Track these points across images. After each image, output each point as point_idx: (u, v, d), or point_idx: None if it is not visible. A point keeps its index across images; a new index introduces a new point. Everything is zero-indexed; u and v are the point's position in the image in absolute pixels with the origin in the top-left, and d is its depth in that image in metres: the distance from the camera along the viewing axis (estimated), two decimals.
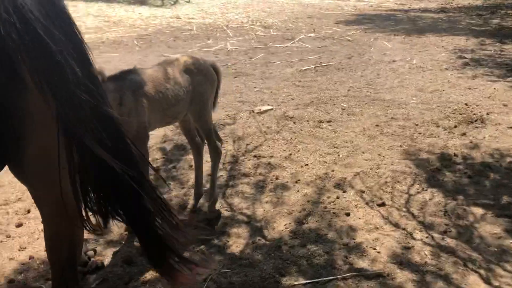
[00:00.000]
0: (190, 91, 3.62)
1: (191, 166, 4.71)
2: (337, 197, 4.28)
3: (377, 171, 4.79)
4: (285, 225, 3.86)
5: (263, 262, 3.38)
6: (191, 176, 4.63)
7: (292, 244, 3.59)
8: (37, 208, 3.86)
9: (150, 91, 3.34)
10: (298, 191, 4.41)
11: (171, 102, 3.47)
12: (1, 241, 3.59)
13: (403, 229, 3.81)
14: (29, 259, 3.37)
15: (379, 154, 5.16)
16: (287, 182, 4.58)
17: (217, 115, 6.29)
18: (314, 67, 9.05)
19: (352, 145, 5.40)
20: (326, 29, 12.99)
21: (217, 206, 4.07)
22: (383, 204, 4.17)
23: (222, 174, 4.71)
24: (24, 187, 4.36)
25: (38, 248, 3.48)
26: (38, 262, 3.33)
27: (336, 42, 11.38)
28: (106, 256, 3.41)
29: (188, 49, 10.69)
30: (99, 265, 3.27)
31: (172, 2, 18.22)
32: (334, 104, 6.81)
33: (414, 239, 3.67)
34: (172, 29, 13.24)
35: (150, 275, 3.21)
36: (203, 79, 3.72)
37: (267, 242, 3.62)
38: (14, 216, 3.92)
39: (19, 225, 3.78)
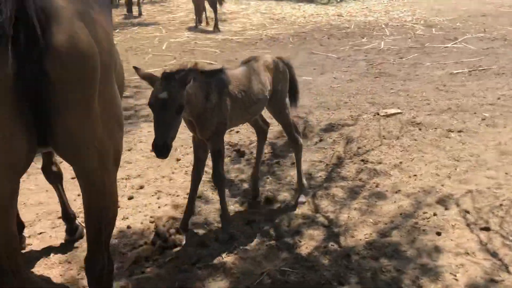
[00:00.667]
0: (269, 90, 3.76)
1: (293, 163, 4.79)
2: (434, 214, 3.92)
3: (495, 191, 4.23)
4: (365, 234, 3.71)
5: (326, 267, 3.32)
6: (290, 173, 4.73)
7: (364, 255, 3.44)
8: (149, 185, 4.41)
9: (234, 91, 3.53)
10: (394, 202, 4.16)
11: (252, 100, 3.65)
12: None
13: (500, 259, 3.33)
14: (127, 227, 3.87)
15: (506, 173, 4.53)
16: (386, 191, 4.35)
17: (339, 115, 6.24)
18: (469, 71, 8.22)
19: (477, 160, 4.83)
20: (499, 29, 11.59)
21: (304, 207, 4.10)
22: (487, 229, 3.69)
23: (320, 175, 4.69)
24: (145, 165, 5.05)
25: (137, 221, 3.98)
26: (131, 232, 3.82)
27: (507, 44, 10.09)
28: (186, 236, 3.73)
29: (339, 47, 10.67)
30: (177, 243, 3.60)
31: (338, 0, 18.22)
32: (475, 113, 6.13)
33: (509, 272, 3.19)
34: (330, 26, 13.29)
35: (217, 260, 3.43)
36: (282, 78, 3.88)
37: (339, 249, 3.54)
38: (129, 190, 4.52)
39: (130, 198, 4.35)
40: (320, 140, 5.54)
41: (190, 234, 3.74)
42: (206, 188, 4.42)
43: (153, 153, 3.18)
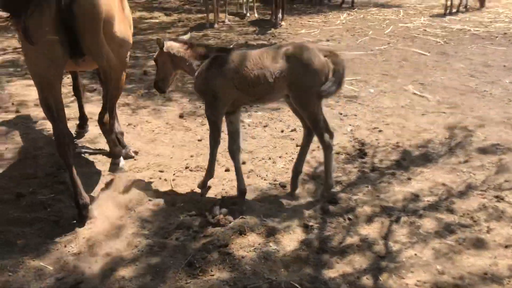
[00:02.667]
0: (282, 78, 3.59)
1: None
2: None
3: None
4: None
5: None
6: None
7: None
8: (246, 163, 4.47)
9: (229, 71, 3.64)
10: None
11: (249, 83, 3.62)
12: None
13: None
14: (200, 196, 4.05)
15: None
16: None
17: None
18: None
19: None
20: None
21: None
22: None
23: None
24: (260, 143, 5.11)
25: (219, 188, 4.09)
26: (197, 200, 3.97)
27: None
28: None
29: None
30: (221, 224, 3.56)
31: None
32: None
33: None
34: None
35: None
36: (302, 69, 3.58)
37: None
38: (229, 163, 4.60)
39: (227, 170, 4.47)
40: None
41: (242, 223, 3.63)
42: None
43: None
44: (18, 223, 3.53)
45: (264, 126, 5.42)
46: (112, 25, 3.60)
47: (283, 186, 4.11)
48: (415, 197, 3.92)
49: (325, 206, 3.77)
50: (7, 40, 9.40)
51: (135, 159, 4.56)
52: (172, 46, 3.79)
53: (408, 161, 4.57)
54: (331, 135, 3.86)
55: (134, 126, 5.40)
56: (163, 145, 4.91)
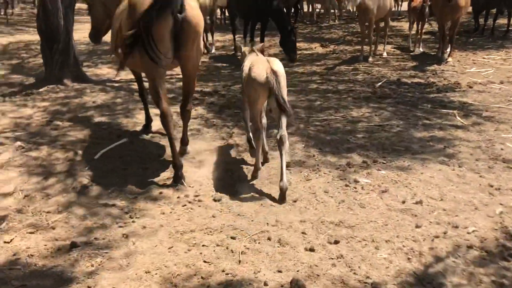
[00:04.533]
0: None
1: None
2: None
3: None
4: None
5: None
6: None
7: None
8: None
9: None
10: None
11: None
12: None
13: None
14: None
15: None
16: None
17: None
18: None
19: None
20: None
21: None
22: None
23: None
24: None
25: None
26: None
27: None
28: None
29: None
30: None
31: None
32: None
33: None
34: None
35: None
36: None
37: None
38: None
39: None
40: None
41: None
42: None
43: None
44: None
45: (382, 192, 4.33)
46: (199, 39, 4.60)
47: None
48: None
49: None
50: None
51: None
52: (244, 50, 4.94)
53: None
54: None
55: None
56: (250, 202, 4.20)
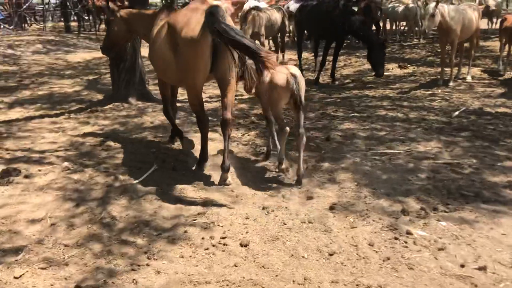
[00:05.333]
0: None
1: None
2: None
3: None
4: None
5: None
6: None
7: None
8: None
9: None
10: None
11: None
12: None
13: None
14: None
15: None
16: None
17: None
18: None
19: None
20: None
21: None
22: None
23: None
24: None
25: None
26: None
27: None
28: None
29: None
30: None
31: None
32: None
33: None
34: None
35: None
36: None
37: None
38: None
39: None
40: None
41: None
42: None
43: None
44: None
45: (438, 249, 3.68)
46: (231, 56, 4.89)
47: None
48: None
49: None
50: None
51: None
52: None
53: None
54: None
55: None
56: (280, 250, 3.74)
